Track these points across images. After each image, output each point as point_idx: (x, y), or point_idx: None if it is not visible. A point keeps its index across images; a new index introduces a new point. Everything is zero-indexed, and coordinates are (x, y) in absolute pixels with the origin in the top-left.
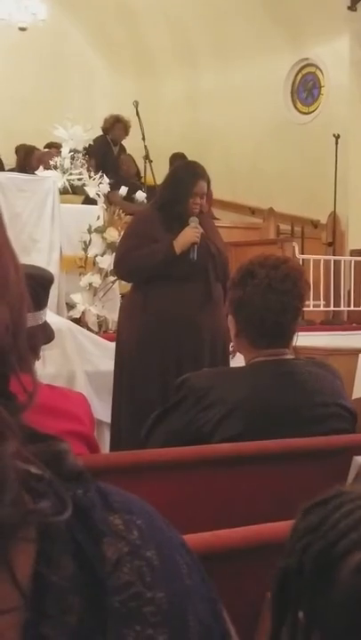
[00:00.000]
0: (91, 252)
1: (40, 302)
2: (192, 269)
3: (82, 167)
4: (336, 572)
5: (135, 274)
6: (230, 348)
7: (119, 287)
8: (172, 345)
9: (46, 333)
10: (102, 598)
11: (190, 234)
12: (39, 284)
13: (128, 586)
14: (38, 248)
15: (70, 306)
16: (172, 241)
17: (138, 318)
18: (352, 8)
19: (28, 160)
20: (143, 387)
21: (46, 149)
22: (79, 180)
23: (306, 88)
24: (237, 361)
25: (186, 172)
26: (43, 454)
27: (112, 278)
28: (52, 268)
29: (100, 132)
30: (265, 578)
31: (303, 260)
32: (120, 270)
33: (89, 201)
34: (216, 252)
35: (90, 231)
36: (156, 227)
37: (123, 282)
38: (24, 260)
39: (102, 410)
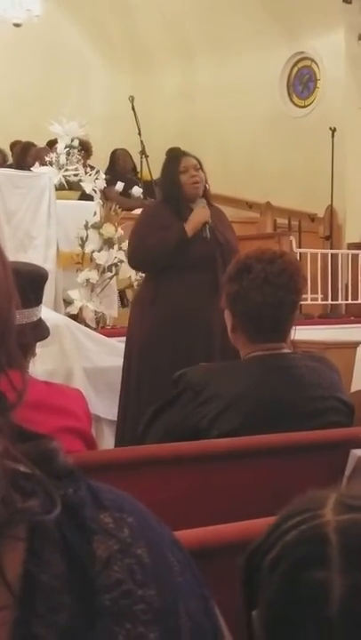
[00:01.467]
0: (87, 248)
1: (32, 299)
2: (203, 257)
3: (77, 163)
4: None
5: (151, 262)
6: None
7: (117, 283)
8: (182, 344)
9: (40, 331)
10: (93, 596)
11: (201, 213)
12: (31, 280)
13: (119, 584)
14: (35, 245)
15: (67, 302)
16: (184, 225)
17: (148, 315)
18: (347, 1)
19: (24, 156)
20: (152, 386)
21: (41, 146)
22: (75, 175)
23: (302, 81)
24: None
25: (169, 157)
26: (32, 453)
27: (109, 274)
28: (49, 264)
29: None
30: None
31: (301, 253)
32: (135, 260)
33: (85, 197)
34: (224, 241)
35: (86, 227)
36: (166, 215)
37: (121, 277)
38: (21, 257)
39: (100, 406)
